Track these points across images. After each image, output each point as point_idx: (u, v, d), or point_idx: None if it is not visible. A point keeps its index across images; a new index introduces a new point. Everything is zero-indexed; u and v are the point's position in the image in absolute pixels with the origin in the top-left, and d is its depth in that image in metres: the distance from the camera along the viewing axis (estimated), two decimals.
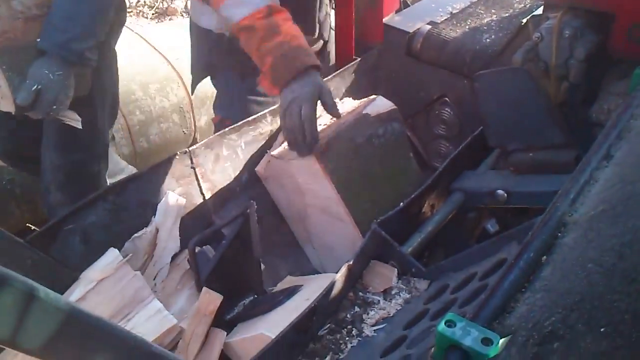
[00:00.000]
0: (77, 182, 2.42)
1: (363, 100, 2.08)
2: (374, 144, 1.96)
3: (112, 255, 1.67)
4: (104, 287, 1.58)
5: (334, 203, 1.91)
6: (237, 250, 1.73)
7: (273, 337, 1.40)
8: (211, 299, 1.56)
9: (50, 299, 0.83)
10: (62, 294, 1.65)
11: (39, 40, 1.93)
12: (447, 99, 2.56)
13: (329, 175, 1.86)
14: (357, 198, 1.94)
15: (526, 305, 0.97)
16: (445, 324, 0.96)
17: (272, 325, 1.53)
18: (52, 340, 0.83)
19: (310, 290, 1.66)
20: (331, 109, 1.87)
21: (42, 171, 2.44)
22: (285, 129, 1.87)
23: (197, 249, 1.73)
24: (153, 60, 3.65)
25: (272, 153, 2.02)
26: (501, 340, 0.91)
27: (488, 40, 2.47)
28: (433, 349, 1.16)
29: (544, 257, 1.08)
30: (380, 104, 2.00)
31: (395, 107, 1.99)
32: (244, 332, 1.59)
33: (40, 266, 1.65)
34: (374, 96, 2.07)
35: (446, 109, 2.59)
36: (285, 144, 2.00)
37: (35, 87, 1.88)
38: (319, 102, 1.85)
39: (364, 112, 1.95)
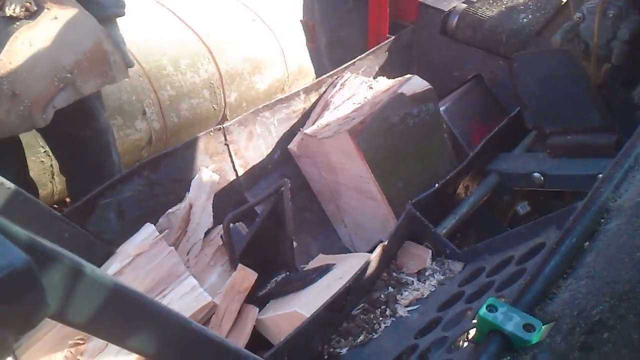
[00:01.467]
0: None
1: (398, 79, 2.05)
2: (409, 124, 1.93)
3: (148, 230, 1.69)
4: (139, 263, 1.60)
5: (367, 182, 1.89)
6: (271, 227, 1.74)
7: (306, 315, 1.40)
8: (246, 276, 1.57)
9: (96, 275, 0.84)
10: (98, 267, 1.67)
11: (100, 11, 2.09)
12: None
13: (363, 154, 1.85)
14: (390, 177, 1.92)
15: (569, 291, 0.95)
16: (486, 308, 0.95)
17: (305, 303, 1.53)
18: (97, 315, 0.84)
19: (343, 269, 1.66)
20: None
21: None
22: None
23: (231, 225, 1.73)
24: (184, 35, 3.65)
25: (306, 131, 2.02)
26: (544, 327, 0.90)
27: (525, 20, 2.42)
28: (471, 332, 1.16)
29: (587, 243, 1.07)
30: (416, 84, 1.97)
31: (430, 87, 1.96)
32: (277, 309, 1.60)
33: (77, 239, 1.68)
34: (409, 75, 2.04)
35: None
36: (319, 121, 1.99)
37: (126, 48, 2.15)
38: None
39: (399, 92, 1.92)
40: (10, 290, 0.56)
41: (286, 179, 1.75)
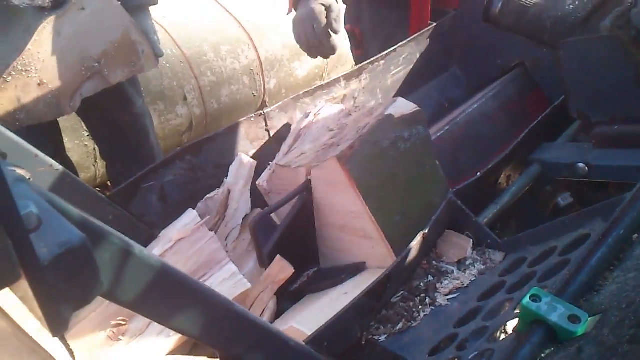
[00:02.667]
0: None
1: (381, 102, 1.89)
2: (400, 149, 1.66)
3: (190, 216, 1.71)
4: (181, 248, 1.62)
5: (360, 217, 1.60)
6: (301, 223, 1.70)
7: (307, 332, 1.33)
8: (283, 268, 1.57)
9: (144, 256, 0.86)
10: None
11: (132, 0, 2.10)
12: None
13: (355, 183, 1.56)
14: (386, 210, 1.63)
15: (616, 284, 0.94)
16: (530, 298, 0.94)
17: (306, 319, 1.45)
18: (145, 294, 0.86)
19: (354, 283, 1.57)
20: (330, 25, 2.13)
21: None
22: (301, 42, 2.13)
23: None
24: (224, 21, 3.67)
25: (280, 162, 1.78)
26: (590, 319, 0.89)
27: (571, 6, 2.36)
28: (509, 324, 1.15)
29: (635, 235, 1.05)
30: (403, 106, 1.71)
31: (419, 108, 1.71)
32: (289, 319, 1.53)
33: (120, 221, 1.71)
34: (394, 98, 1.84)
35: None
36: (294, 152, 1.82)
37: (157, 37, 2.16)
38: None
39: (386, 113, 1.67)
40: (67, 267, 0.58)
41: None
